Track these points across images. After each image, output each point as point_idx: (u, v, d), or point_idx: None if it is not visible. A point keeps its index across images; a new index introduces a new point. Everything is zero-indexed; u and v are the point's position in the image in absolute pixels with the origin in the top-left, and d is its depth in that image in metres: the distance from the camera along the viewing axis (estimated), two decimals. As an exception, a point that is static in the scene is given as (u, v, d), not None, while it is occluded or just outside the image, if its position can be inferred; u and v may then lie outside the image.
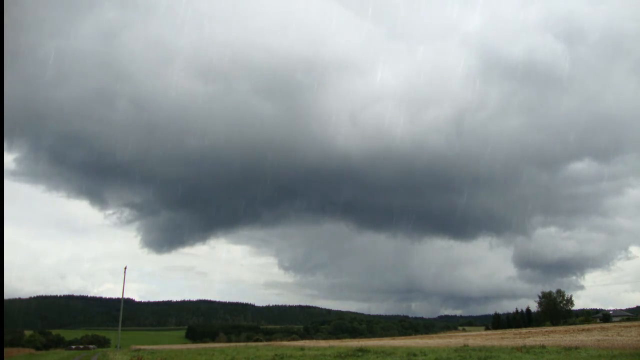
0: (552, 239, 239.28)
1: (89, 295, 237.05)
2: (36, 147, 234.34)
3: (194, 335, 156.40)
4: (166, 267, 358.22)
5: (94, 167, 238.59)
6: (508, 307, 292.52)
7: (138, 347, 69.84)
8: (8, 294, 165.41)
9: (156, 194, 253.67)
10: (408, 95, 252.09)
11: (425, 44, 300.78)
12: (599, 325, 57.57)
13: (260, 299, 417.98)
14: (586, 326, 56.34)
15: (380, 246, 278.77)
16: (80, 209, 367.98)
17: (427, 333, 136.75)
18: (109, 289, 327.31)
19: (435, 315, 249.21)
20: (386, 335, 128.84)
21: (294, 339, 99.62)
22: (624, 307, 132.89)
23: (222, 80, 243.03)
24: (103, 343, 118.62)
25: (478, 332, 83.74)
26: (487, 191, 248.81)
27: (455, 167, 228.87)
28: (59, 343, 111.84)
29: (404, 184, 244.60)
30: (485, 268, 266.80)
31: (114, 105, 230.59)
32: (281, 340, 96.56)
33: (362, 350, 25.68)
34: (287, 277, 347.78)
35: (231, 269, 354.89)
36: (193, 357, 32.75)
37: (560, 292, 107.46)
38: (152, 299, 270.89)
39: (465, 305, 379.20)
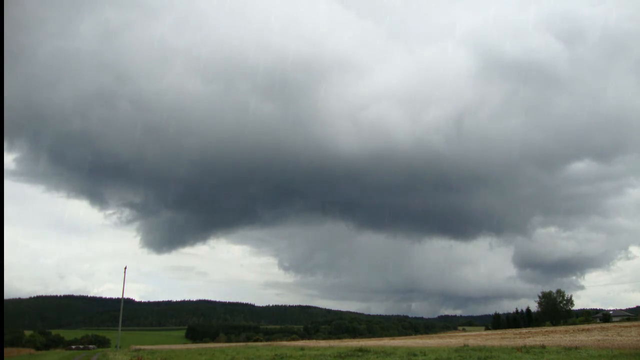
0: (552, 239, 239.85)
1: (89, 295, 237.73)
2: (36, 147, 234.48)
3: (194, 335, 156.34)
4: (166, 267, 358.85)
5: (93, 167, 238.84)
6: (508, 307, 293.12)
7: (138, 347, 69.85)
8: (8, 294, 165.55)
9: (156, 193, 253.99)
10: (408, 96, 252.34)
11: (425, 44, 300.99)
12: (599, 325, 57.50)
13: (260, 299, 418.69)
14: (586, 326, 56.27)
15: (380, 246, 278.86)
16: (80, 209, 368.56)
17: (427, 333, 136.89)
18: (109, 289, 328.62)
19: (435, 315, 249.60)
20: (386, 335, 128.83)
21: (294, 339, 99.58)
22: (624, 307, 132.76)
23: (222, 80, 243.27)
24: (103, 343, 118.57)
25: (478, 332, 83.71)
26: (487, 191, 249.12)
27: (455, 167, 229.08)
28: (59, 343, 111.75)
29: (404, 184, 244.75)
30: (485, 268, 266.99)
31: (114, 105, 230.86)
32: (281, 340, 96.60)
33: (362, 350, 25.67)
34: (287, 277, 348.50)
35: (231, 269, 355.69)
36: (193, 357, 32.72)
37: (560, 292, 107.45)
38: (152, 299, 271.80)
39: (465, 305, 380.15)
